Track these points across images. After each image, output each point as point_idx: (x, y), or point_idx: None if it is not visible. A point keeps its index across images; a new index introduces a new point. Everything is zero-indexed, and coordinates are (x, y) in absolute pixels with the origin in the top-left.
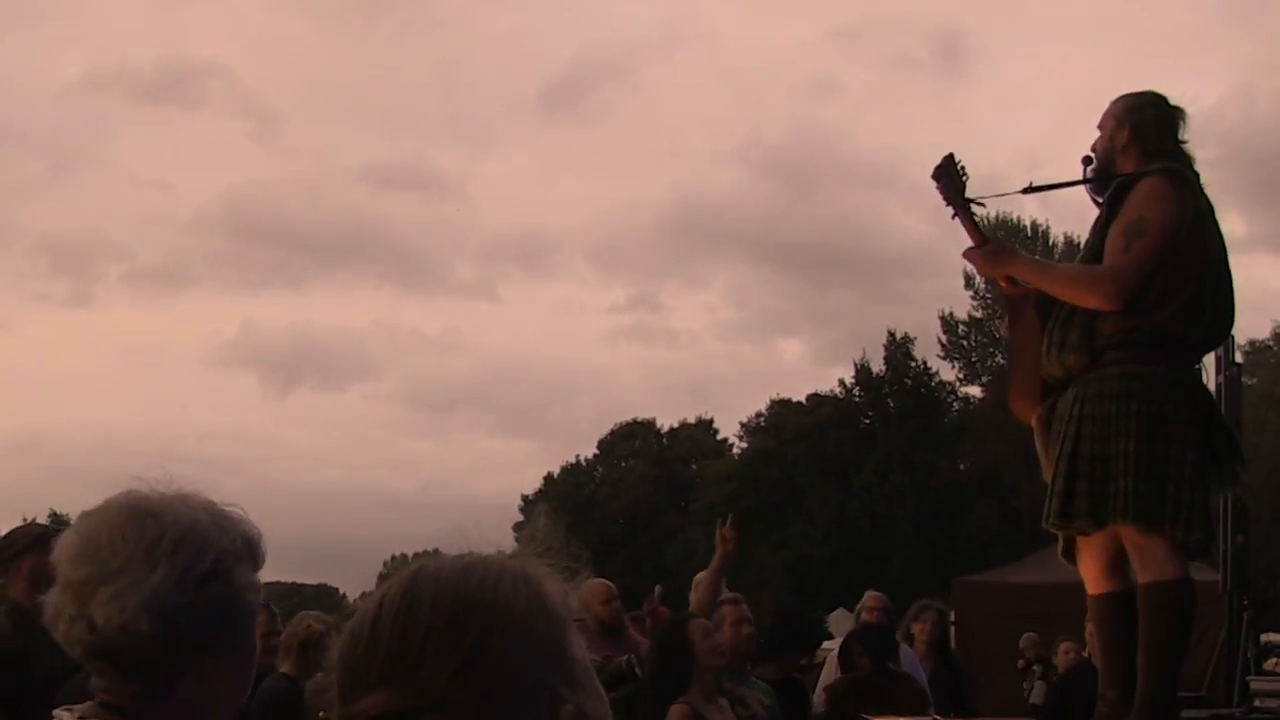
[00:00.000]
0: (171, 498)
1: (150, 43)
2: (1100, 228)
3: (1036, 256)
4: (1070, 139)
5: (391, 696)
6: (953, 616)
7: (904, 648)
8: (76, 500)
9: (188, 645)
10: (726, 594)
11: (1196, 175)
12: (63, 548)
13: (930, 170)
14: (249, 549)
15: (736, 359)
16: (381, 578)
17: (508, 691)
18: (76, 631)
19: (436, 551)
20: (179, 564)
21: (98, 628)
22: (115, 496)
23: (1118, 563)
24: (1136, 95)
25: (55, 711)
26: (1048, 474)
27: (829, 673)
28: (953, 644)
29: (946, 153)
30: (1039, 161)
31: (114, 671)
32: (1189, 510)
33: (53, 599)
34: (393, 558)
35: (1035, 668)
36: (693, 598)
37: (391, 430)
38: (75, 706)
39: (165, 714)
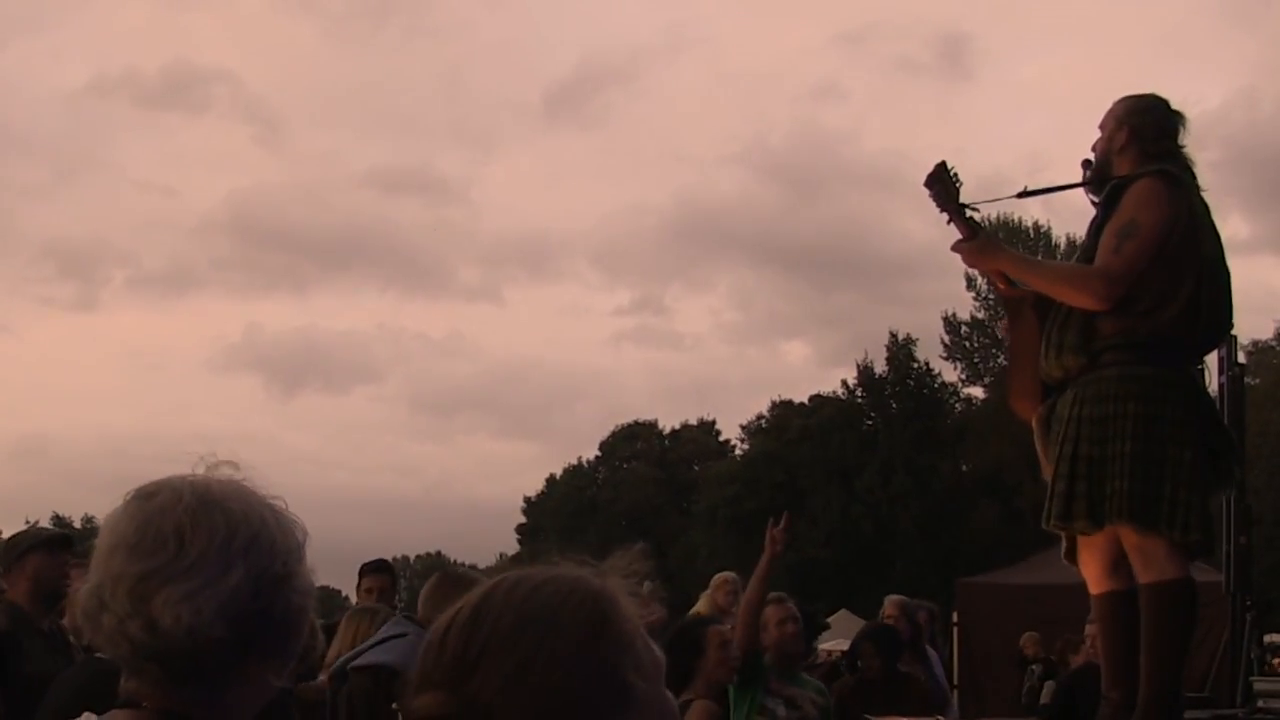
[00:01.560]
0: (233, 488)
1: (155, 49)
2: (1095, 230)
3: (1039, 257)
4: (1073, 141)
5: (442, 699)
6: (955, 617)
7: (929, 650)
8: (79, 503)
9: (251, 651)
10: (771, 594)
11: (1194, 177)
12: (114, 535)
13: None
14: (304, 543)
15: (740, 362)
16: None
17: (554, 707)
18: (129, 630)
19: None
20: (254, 566)
21: (161, 629)
22: (171, 481)
23: (1119, 563)
24: (1138, 98)
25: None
26: (1048, 475)
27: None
28: (955, 644)
29: (939, 160)
30: (1042, 163)
31: (163, 675)
32: (1186, 511)
33: (93, 589)
34: (394, 559)
35: (1034, 666)
36: (706, 597)
37: (395, 433)
38: (117, 712)
39: (211, 717)
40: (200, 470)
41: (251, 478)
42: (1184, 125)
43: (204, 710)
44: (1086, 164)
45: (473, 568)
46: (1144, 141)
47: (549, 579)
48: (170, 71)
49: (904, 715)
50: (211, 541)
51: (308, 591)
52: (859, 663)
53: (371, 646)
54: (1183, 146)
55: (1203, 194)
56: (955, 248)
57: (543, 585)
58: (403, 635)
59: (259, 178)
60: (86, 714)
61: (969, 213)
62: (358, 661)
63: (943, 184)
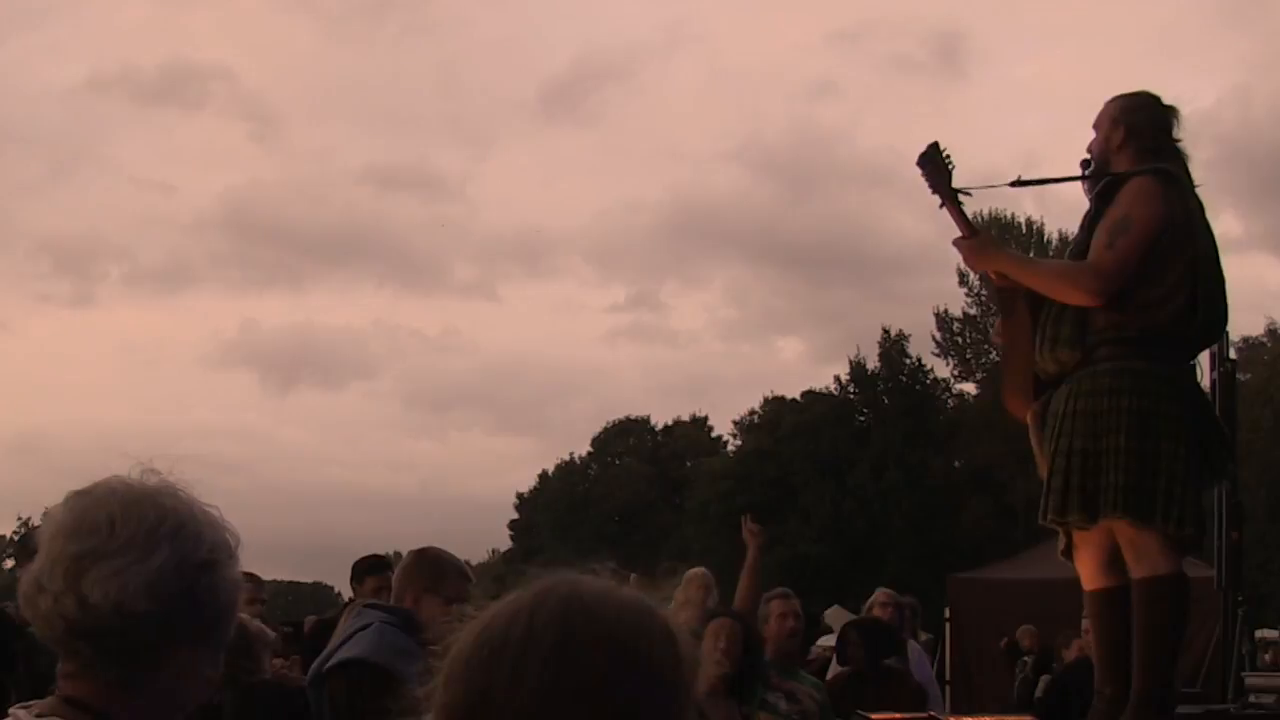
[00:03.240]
0: (165, 487)
1: (152, 45)
2: (1087, 225)
3: (1030, 253)
4: (1068, 139)
5: None
6: (947, 613)
7: (912, 644)
8: None
9: (177, 633)
10: (776, 589)
11: (1189, 175)
12: (51, 524)
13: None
14: (235, 546)
15: (736, 358)
16: None
17: None
18: (63, 608)
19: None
20: (178, 550)
21: (90, 604)
22: (108, 480)
23: (1114, 559)
24: (1131, 96)
25: (12, 710)
26: (1043, 471)
27: (834, 669)
28: (947, 639)
29: (931, 141)
30: (1036, 161)
31: (93, 655)
32: (1180, 505)
33: (33, 574)
34: (386, 555)
35: (1025, 659)
36: (679, 592)
37: (390, 429)
38: (34, 703)
39: (135, 708)
40: (135, 473)
41: (187, 482)
42: (1178, 120)
43: (122, 696)
44: (1085, 164)
45: (464, 564)
46: (1140, 138)
47: (622, 606)
48: (167, 68)
49: (893, 710)
50: (141, 526)
51: (235, 583)
52: (846, 653)
53: (341, 644)
54: (1178, 141)
55: (1198, 191)
56: (956, 244)
57: (622, 616)
58: (366, 626)
59: (255, 174)
60: (13, 709)
61: (960, 196)
62: (331, 661)
63: (935, 165)
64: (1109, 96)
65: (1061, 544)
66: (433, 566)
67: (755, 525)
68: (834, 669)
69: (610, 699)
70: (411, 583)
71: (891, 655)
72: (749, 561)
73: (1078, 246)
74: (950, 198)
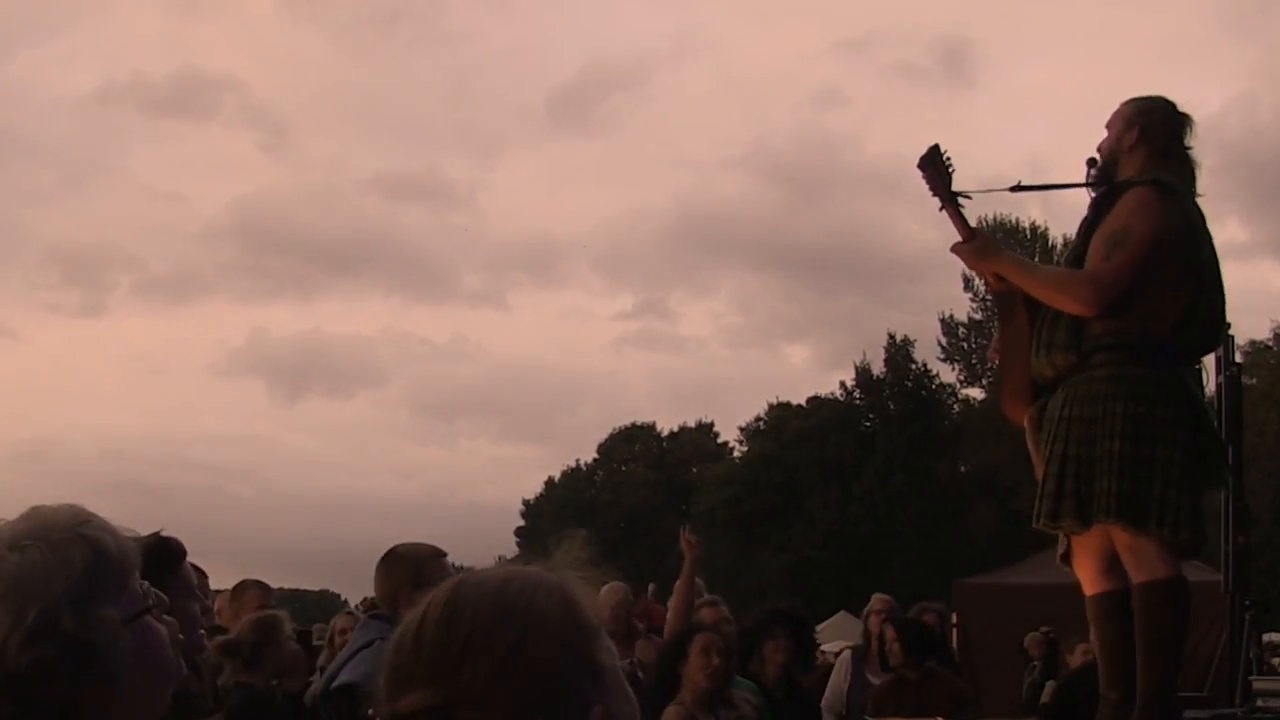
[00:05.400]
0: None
1: (163, 56)
2: (1084, 231)
3: (1035, 258)
4: (1074, 146)
5: (432, 694)
6: (954, 619)
7: None
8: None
9: (53, 697)
10: (706, 596)
11: (1194, 183)
12: None
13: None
14: (101, 578)
15: (743, 365)
16: None
17: (542, 692)
18: None
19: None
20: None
21: None
22: None
23: (1113, 563)
24: (1146, 98)
25: None
26: (1039, 474)
27: (839, 676)
28: (954, 645)
29: (932, 143)
30: (1043, 168)
31: (15, 711)
32: (1176, 511)
33: None
34: None
35: (1035, 664)
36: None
37: (398, 437)
38: None
39: None
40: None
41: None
42: (1191, 127)
43: None
44: (1091, 163)
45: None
46: (1153, 141)
47: (512, 573)
48: (178, 78)
49: (936, 714)
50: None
51: (96, 622)
52: (886, 647)
53: (345, 661)
54: (1189, 148)
55: (1198, 199)
56: (954, 249)
57: (510, 579)
58: (369, 644)
59: (265, 183)
60: None
61: (960, 200)
62: (335, 682)
63: (935, 167)
64: (1115, 103)
65: (1061, 548)
66: (408, 562)
67: (693, 537)
68: (837, 677)
69: (496, 643)
70: (397, 584)
71: (932, 657)
72: (685, 572)
73: (1074, 252)
74: (950, 200)
